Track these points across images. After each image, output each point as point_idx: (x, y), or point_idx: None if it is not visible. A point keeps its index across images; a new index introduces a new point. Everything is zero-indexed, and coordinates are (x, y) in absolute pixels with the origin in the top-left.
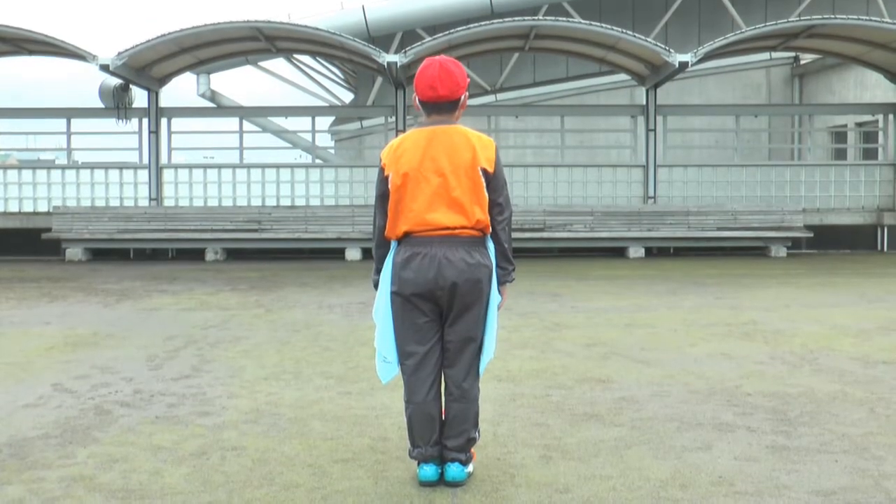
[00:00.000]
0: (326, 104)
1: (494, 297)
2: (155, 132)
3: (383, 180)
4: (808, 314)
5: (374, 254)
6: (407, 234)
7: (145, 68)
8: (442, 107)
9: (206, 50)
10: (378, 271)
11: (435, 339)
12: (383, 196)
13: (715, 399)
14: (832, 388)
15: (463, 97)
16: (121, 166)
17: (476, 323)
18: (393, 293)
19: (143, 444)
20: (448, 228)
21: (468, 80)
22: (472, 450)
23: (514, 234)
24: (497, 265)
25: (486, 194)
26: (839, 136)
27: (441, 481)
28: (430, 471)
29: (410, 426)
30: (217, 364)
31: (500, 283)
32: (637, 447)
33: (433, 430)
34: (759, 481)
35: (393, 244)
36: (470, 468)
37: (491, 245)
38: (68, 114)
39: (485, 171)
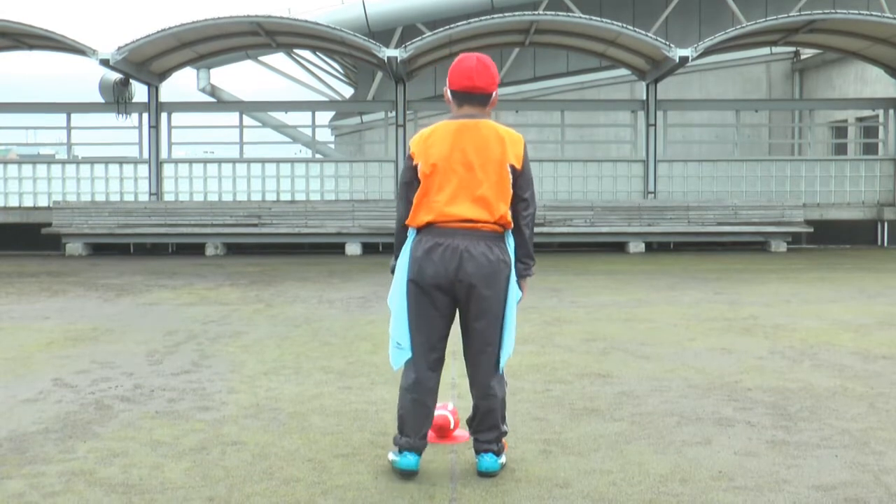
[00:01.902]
0: (326, 99)
1: (514, 293)
2: (155, 127)
3: (411, 168)
4: (807, 309)
5: (395, 239)
6: (429, 224)
7: (145, 63)
8: (475, 98)
9: (207, 44)
10: (398, 257)
11: (443, 332)
12: (409, 184)
13: (715, 394)
14: (832, 383)
15: (495, 94)
16: (121, 161)
17: (496, 321)
18: (410, 281)
19: (143, 439)
20: (470, 221)
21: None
22: (504, 441)
23: None
24: (518, 259)
25: (511, 190)
26: (839, 131)
27: (475, 473)
28: (411, 460)
29: (403, 415)
30: (217, 359)
31: (520, 278)
32: (637, 442)
33: (426, 422)
34: (759, 476)
35: (411, 232)
36: (503, 459)
37: (510, 240)
38: (68, 108)
39: (513, 168)
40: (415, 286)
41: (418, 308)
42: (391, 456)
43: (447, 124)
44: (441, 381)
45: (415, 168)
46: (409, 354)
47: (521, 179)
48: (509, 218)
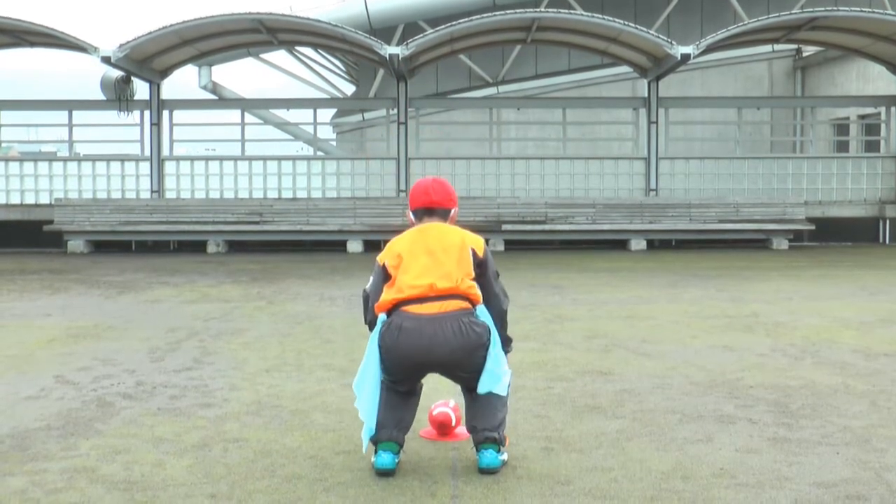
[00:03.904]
0: (328, 96)
1: (495, 343)
2: (157, 124)
3: (381, 269)
4: (809, 306)
5: (364, 320)
6: (395, 306)
7: (147, 60)
8: (434, 213)
9: (208, 42)
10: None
11: (417, 385)
12: (377, 288)
13: (716, 391)
14: (834, 381)
15: (453, 211)
16: (122, 158)
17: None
18: (384, 370)
19: (145, 436)
20: (436, 296)
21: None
22: (506, 434)
23: (516, 227)
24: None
25: (473, 271)
26: (841, 128)
27: (477, 470)
28: (387, 458)
29: (379, 417)
30: (219, 356)
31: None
32: (638, 439)
33: (404, 415)
34: (761, 473)
35: (380, 320)
36: (504, 456)
37: (481, 311)
38: (70, 106)
39: (474, 252)
40: (390, 375)
41: (394, 390)
42: (372, 458)
43: (410, 230)
44: (438, 382)
45: (383, 268)
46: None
47: (484, 267)
48: (475, 290)
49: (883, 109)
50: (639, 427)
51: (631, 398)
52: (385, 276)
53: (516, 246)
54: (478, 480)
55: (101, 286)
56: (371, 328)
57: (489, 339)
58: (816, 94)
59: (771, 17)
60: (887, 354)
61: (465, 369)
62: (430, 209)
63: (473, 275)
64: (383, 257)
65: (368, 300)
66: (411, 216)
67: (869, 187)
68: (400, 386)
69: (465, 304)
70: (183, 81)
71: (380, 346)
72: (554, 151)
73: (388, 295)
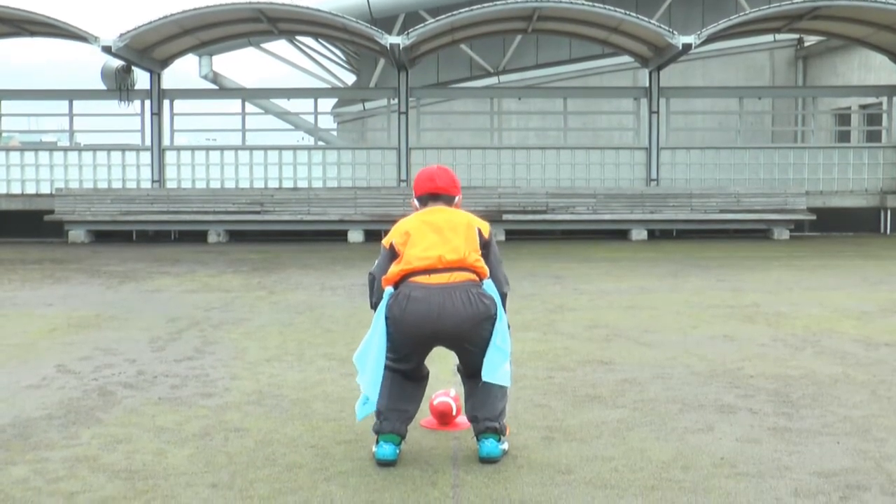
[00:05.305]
0: (329, 86)
1: (501, 318)
2: (157, 114)
3: (387, 251)
4: (810, 296)
5: (370, 304)
6: (403, 278)
7: (147, 50)
8: (439, 198)
9: (209, 31)
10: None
11: (422, 361)
12: (385, 264)
13: (717, 381)
14: (834, 371)
15: (457, 198)
16: (123, 148)
17: (483, 352)
18: (390, 346)
19: (146, 425)
20: (444, 268)
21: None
22: (506, 424)
23: (517, 217)
24: None
25: (480, 249)
26: (843, 118)
27: (477, 459)
28: (388, 450)
29: (380, 406)
30: (220, 346)
31: None
32: (639, 428)
33: (406, 407)
34: (761, 462)
35: (387, 293)
36: (505, 445)
37: (488, 285)
38: (70, 95)
39: (480, 232)
40: (393, 356)
41: (395, 377)
42: (374, 448)
43: (416, 213)
44: (439, 371)
45: (391, 248)
46: (374, 408)
47: (489, 249)
48: (482, 265)
49: (884, 99)
50: (639, 416)
51: (632, 388)
52: (392, 256)
53: (517, 235)
54: (479, 470)
55: (102, 276)
56: (376, 310)
57: (496, 313)
58: (818, 84)
59: (773, 6)
60: (888, 344)
61: (472, 342)
62: (436, 195)
63: (480, 252)
64: (389, 238)
65: (375, 281)
66: (416, 202)
67: (870, 177)
68: (404, 364)
69: (473, 277)
70: (183, 71)
71: (387, 318)
72: (555, 141)
73: (395, 268)
